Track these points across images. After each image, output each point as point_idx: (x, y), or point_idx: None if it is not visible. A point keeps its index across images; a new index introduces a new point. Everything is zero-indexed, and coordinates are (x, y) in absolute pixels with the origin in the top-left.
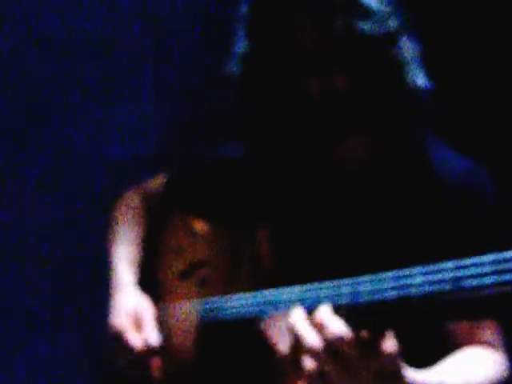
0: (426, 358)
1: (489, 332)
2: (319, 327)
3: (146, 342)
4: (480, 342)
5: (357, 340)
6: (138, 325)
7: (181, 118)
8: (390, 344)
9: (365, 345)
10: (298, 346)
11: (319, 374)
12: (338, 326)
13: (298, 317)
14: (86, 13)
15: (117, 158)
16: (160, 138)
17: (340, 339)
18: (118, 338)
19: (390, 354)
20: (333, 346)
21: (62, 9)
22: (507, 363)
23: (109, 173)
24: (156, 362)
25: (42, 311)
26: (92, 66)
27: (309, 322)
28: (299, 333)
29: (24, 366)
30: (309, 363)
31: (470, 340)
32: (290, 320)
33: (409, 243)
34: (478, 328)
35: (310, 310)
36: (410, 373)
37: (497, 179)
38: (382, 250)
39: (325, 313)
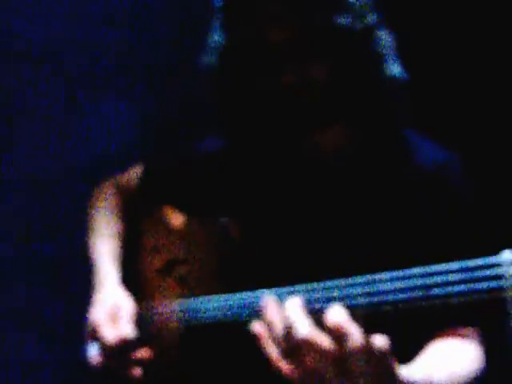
0: (400, 350)
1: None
2: (336, 332)
3: (119, 335)
4: (455, 334)
5: (364, 343)
6: (115, 320)
7: (156, 113)
8: (382, 343)
9: (362, 346)
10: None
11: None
12: (356, 332)
13: (298, 314)
14: (56, 14)
15: (94, 153)
16: (136, 133)
17: (356, 344)
18: (93, 332)
19: (383, 353)
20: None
21: (36, 11)
22: (483, 355)
23: (88, 167)
24: (135, 358)
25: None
26: (68, 65)
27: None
28: (307, 337)
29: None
30: (307, 363)
31: (444, 331)
32: (289, 317)
33: (385, 234)
34: None
35: None
36: (401, 370)
37: (471, 168)
38: (359, 241)
39: (340, 315)
